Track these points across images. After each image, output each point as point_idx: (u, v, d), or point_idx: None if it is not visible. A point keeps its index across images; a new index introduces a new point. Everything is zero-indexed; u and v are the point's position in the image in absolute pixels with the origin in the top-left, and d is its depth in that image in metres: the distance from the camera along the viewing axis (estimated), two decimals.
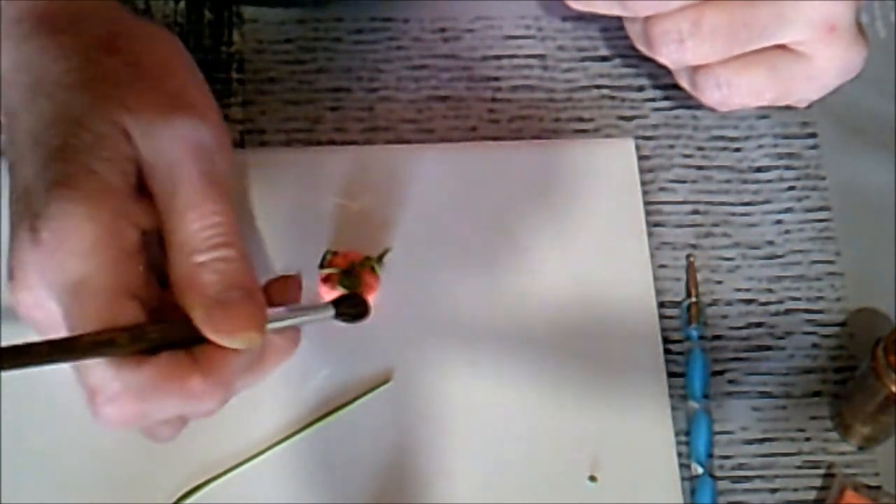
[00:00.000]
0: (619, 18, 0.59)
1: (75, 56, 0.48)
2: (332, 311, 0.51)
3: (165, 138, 0.46)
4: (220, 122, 0.49)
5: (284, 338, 0.49)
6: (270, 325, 0.47)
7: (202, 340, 0.45)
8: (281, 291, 0.50)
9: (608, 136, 0.65)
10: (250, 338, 0.46)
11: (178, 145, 0.47)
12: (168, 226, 0.46)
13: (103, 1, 0.50)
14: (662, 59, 0.58)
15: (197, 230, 0.46)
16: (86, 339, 0.44)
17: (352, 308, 0.52)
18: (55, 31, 0.48)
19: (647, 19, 0.57)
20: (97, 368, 0.45)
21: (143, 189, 0.47)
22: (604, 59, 0.67)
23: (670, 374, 0.59)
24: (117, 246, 0.45)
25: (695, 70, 0.58)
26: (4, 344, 0.43)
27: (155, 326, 0.46)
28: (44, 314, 0.46)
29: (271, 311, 0.48)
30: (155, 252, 0.48)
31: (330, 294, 0.57)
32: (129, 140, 0.46)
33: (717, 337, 0.60)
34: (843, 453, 0.58)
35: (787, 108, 0.64)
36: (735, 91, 0.58)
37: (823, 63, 0.57)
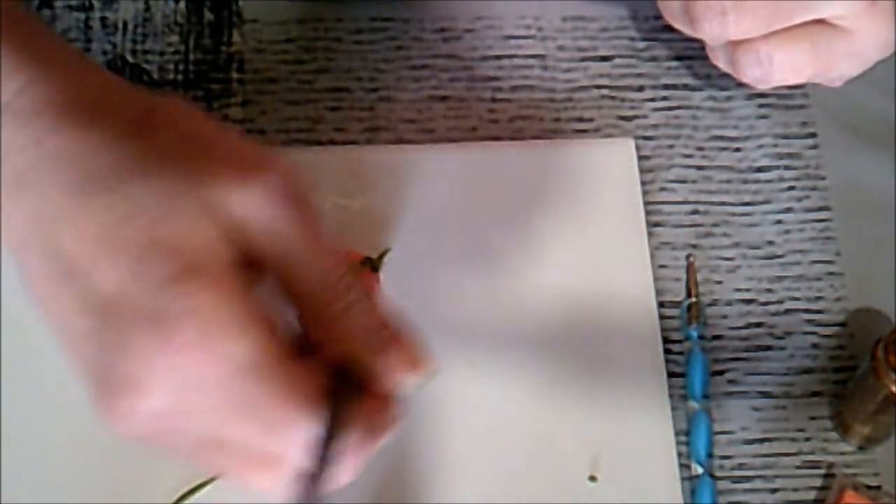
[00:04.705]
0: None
1: (119, 143, 0.42)
2: None
3: (254, 197, 0.42)
4: (286, 163, 0.45)
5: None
6: None
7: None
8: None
9: (608, 136, 0.65)
10: (420, 373, 0.45)
11: (269, 200, 0.43)
12: (293, 283, 0.44)
13: (113, 81, 0.46)
14: (703, 35, 0.58)
15: (329, 280, 0.44)
16: None
17: None
18: (83, 122, 0.43)
19: None
20: None
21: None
22: (604, 59, 0.67)
23: (670, 374, 0.59)
24: (261, 319, 0.42)
25: (735, 46, 0.58)
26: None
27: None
28: (173, 421, 0.42)
29: None
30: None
31: None
32: (219, 211, 0.42)
33: (717, 337, 0.60)
34: (843, 453, 0.58)
35: (788, 108, 0.64)
36: (776, 67, 0.58)
37: (864, 38, 0.57)
